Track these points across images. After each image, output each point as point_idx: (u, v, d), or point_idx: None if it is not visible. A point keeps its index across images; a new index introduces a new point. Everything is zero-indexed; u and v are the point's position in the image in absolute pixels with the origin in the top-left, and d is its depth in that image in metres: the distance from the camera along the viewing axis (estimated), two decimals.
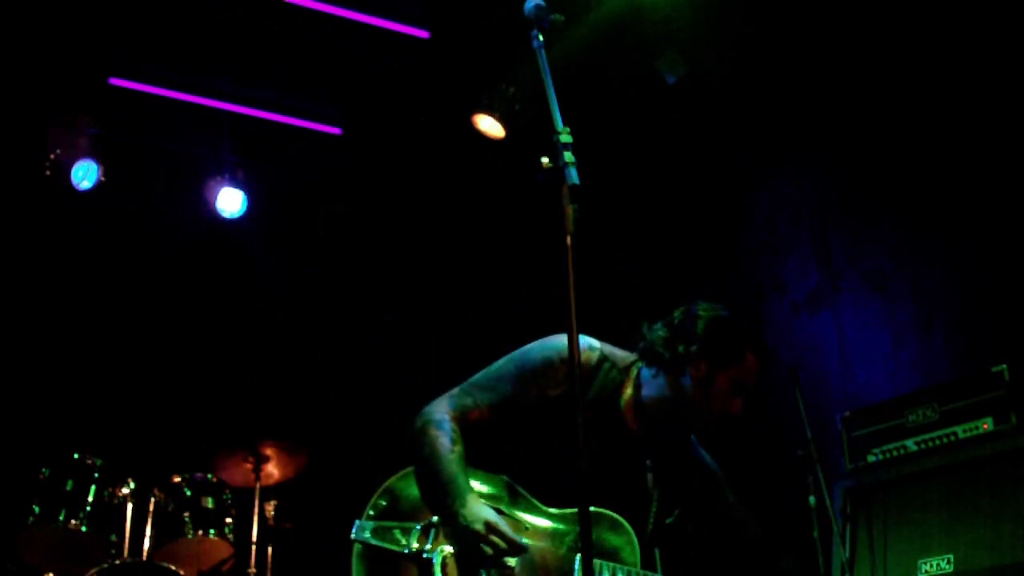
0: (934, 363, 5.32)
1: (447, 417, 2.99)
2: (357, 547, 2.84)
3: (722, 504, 3.31)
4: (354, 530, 2.85)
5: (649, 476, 3.18)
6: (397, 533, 2.84)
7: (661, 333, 3.16)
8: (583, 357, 3.08)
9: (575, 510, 2.95)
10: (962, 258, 5.26)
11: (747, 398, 3.11)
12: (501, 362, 3.11)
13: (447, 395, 3.08)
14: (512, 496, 3.00)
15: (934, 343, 5.35)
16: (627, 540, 2.93)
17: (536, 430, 3.04)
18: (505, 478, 3.03)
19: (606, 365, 3.14)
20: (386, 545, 2.82)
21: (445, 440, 2.93)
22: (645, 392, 3.14)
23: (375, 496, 2.95)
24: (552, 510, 2.99)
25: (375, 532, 2.84)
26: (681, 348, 3.10)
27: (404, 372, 7.32)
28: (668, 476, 3.20)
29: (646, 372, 3.16)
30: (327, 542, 6.47)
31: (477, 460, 3.00)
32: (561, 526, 2.96)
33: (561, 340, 3.09)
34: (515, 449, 3.07)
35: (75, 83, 6.55)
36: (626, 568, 2.87)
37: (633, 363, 3.20)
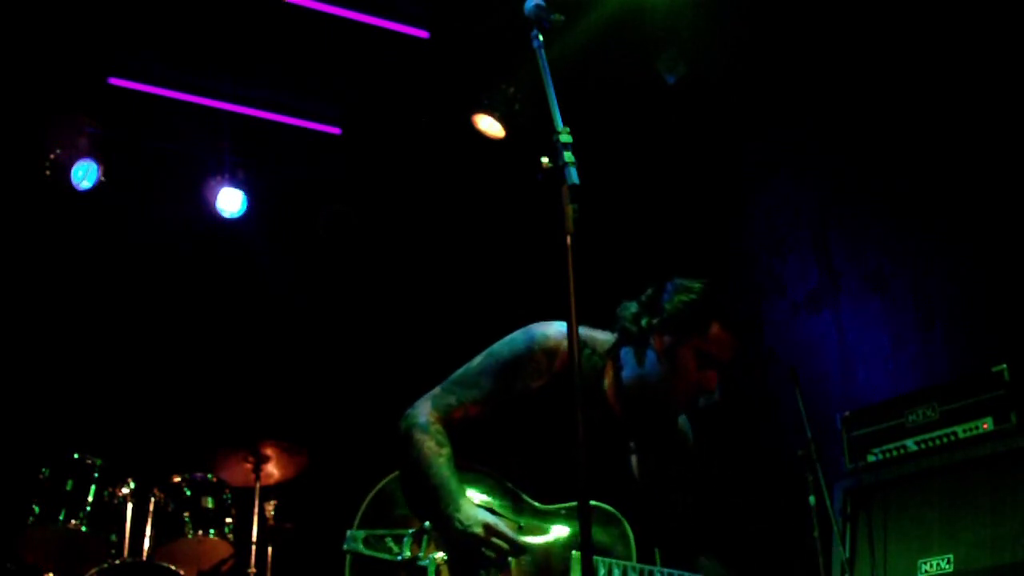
0: (934, 363, 5.32)
1: (431, 419, 2.95)
2: (349, 558, 2.81)
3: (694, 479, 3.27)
4: (346, 541, 2.82)
5: (632, 459, 3.14)
6: (389, 541, 2.81)
7: (632, 309, 3.14)
8: (563, 346, 3.00)
9: (567, 505, 2.93)
10: (962, 258, 5.25)
11: (721, 371, 3.04)
12: (480, 357, 3.07)
13: (428, 396, 3.04)
14: (502, 494, 2.96)
15: (934, 343, 5.35)
16: (621, 533, 2.89)
17: (522, 423, 3.01)
18: (492, 475, 2.98)
19: (586, 351, 3.09)
20: (379, 555, 2.79)
21: (432, 443, 2.89)
22: (624, 374, 3.10)
23: (364, 504, 2.91)
24: (543, 506, 2.95)
25: (367, 542, 2.80)
26: (644, 321, 3.08)
27: (404, 372, 7.30)
28: (651, 458, 3.15)
29: (625, 352, 3.12)
30: (327, 542, 6.46)
31: (463, 459, 2.95)
32: (554, 522, 2.92)
33: (538, 329, 3.06)
34: (502, 444, 3.03)
35: (75, 83, 6.55)
36: (622, 563, 2.84)
37: (613, 346, 3.16)
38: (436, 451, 2.88)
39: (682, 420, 3.32)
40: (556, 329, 3.06)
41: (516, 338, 3.06)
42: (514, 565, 2.80)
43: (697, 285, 3.10)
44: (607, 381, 3.12)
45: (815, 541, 4.45)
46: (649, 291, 3.17)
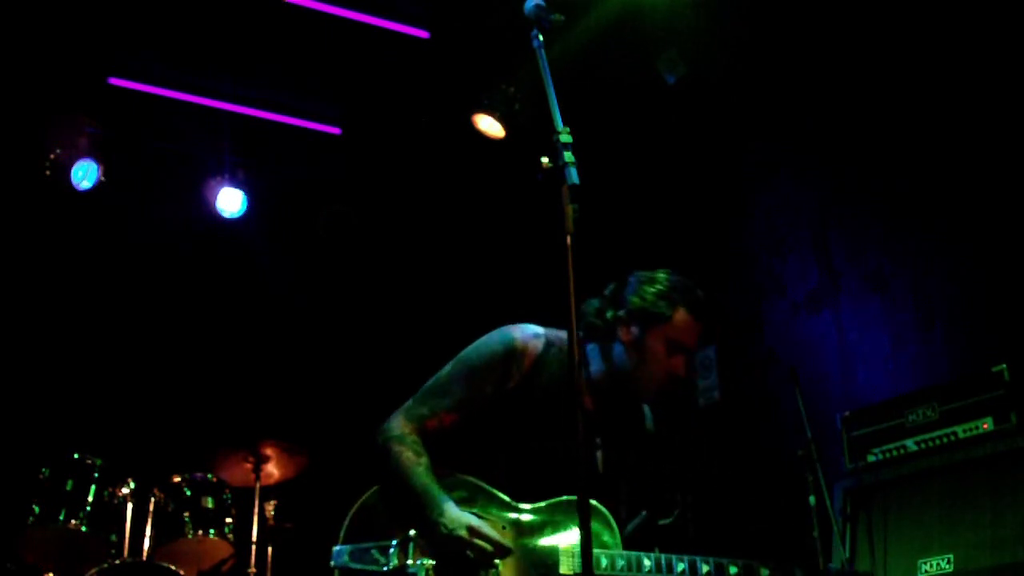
0: (934, 363, 5.32)
1: (407, 430, 2.99)
2: (337, 574, 2.81)
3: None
4: (333, 558, 2.82)
5: (599, 454, 3.16)
6: (375, 553, 2.80)
7: (595, 304, 3.18)
8: (529, 346, 3.08)
9: (550, 502, 2.96)
10: (962, 258, 5.25)
11: (689, 356, 3.11)
12: (450, 365, 3.11)
13: (402, 408, 3.08)
14: (482, 496, 2.98)
15: (934, 343, 5.35)
16: (605, 524, 2.93)
17: (496, 426, 3.03)
18: (471, 479, 3.00)
19: (552, 351, 3.11)
20: (366, 567, 2.79)
21: (409, 453, 2.93)
22: (592, 368, 3.15)
23: (348, 518, 2.93)
24: (524, 505, 2.97)
25: (353, 555, 2.80)
26: (609, 314, 3.12)
27: (404, 372, 7.29)
28: (616, 453, 3.18)
29: (591, 348, 3.16)
30: (327, 542, 6.46)
31: (441, 466, 2.98)
32: (536, 519, 2.95)
33: (507, 332, 3.11)
34: (479, 448, 3.05)
35: (75, 83, 6.55)
36: (611, 552, 2.86)
37: (579, 342, 3.17)
38: (415, 460, 2.92)
39: (645, 410, 3.38)
40: (523, 331, 3.12)
41: (483, 343, 3.11)
42: (501, 566, 2.80)
43: (662, 275, 3.17)
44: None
45: (815, 541, 4.45)
46: (611, 286, 3.22)
